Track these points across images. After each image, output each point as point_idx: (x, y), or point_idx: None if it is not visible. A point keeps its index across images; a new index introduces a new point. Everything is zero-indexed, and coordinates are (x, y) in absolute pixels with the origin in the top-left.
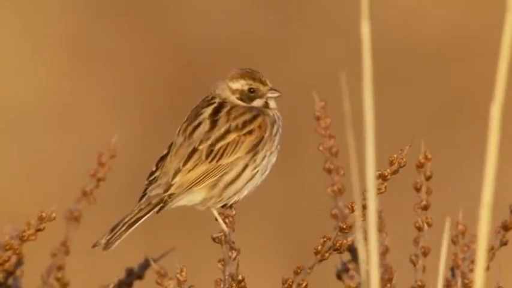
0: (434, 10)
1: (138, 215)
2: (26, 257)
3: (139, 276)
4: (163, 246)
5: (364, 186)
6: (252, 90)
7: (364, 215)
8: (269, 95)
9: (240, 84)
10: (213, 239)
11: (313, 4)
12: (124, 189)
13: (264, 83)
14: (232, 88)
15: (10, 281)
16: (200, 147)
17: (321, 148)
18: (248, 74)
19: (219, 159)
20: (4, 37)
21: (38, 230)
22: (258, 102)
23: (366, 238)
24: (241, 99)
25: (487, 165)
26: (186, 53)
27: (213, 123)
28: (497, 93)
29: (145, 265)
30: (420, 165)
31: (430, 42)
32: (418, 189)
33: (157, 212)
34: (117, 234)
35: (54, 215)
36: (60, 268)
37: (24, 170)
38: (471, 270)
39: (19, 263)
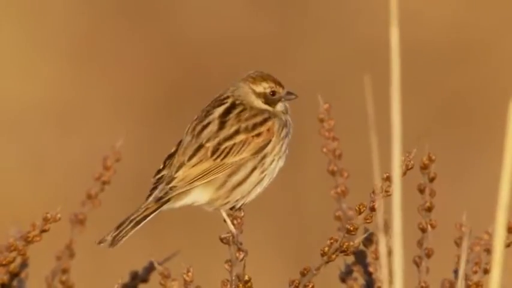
0: (435, 11)
1: (145, 213)
2: (31, 259)
3: (144, 280)
4: (169, 248)
5: (373, 188)
6: (273, 93)
7: (372, 217)
8: (286, 97)
9: (263, 88)
10: (221, 240)
11: (315, 4)
12: (126, 190)
13: (283, 86)
14: (256, 91)
15: (15, 283)
16: (207, 145)
17: (324, 150)
18: (270, 77)
19: (224, 157)
20: (6, 38)
21: (43, 231)
22: (280, 106)
23: (375, 240)
24: (266, 103)
25: (504, 166)
26: (188, 54)
27: (222, 124)
28: None
29: (149, 268)
30: (424, 167)
31: (432, 44)
32: (421, 191)
33: (160, 205)
34: (124, 231)
35: (59, 216)
36: (64, 271)
37: (27, 171)
38: (475, 272)
39: (24, 264)
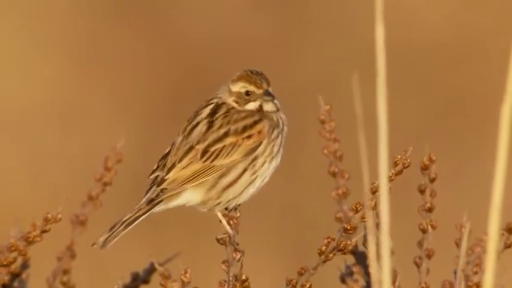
0: (434, 12)
1: (136, 215)
2: (32, 260)
3: (145, 281)
4: (166, 249)
5: (370, 188)
6: (248, 93)
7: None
8: (264, 98)
9: (238, 87)
10: (218, 241)
11: (314, 5)
12: (125, 191)
13: (258, 86)
14: (231, 90)
15: (16, 284)
16: (197, 147)
17: (325, 152)
18: (245, 77)
19: (214, 159)
20: (6, 39)
21: (44, 232)
22: (251, 106)
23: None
24: (236, 101)
25: (497, 167)
26: (188, 55)
27: (210, 124)
28: (508, 94)
29: (150, 270)
30: (424, 167)
31: (430, 44)
32: (422, 192)
33: (152, 207)
34: (115, 233)
35: (59, 216)
36: (65, 272)
37: (27, 171)
38: (475, 273)
39: (25, 265)
